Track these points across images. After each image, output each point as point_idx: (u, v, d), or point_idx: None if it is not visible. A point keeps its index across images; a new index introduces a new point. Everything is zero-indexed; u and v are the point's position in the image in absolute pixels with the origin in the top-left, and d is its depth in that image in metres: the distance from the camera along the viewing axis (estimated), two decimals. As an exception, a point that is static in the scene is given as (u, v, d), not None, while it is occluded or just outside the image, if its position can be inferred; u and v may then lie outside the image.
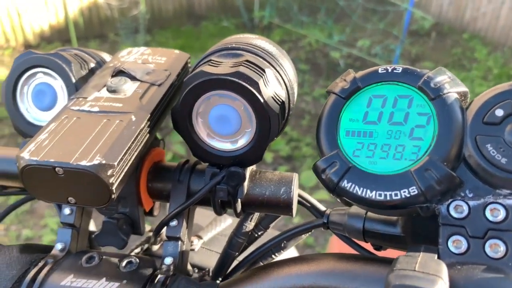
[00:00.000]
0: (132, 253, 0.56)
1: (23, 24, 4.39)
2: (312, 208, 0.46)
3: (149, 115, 0.38)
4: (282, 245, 0.47)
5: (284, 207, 0.41)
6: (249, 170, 0.42)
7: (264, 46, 0.43)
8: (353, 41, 4.82)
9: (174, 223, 0.42)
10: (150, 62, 0.45)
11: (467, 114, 0.32)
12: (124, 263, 0.40)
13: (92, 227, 0.50)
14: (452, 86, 0.32)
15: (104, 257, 0.41)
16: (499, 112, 0.30)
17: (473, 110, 0.31)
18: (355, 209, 0.42)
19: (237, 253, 0.48)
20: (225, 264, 0.48)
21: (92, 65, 0.47)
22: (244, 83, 0.36)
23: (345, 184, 0.33)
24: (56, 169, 0.33)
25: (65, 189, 0.34)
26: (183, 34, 5.05)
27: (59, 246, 0.43)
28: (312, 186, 2.79)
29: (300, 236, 0.47)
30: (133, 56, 0.46)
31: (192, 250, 0.59)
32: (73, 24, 3.93)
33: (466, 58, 4.64)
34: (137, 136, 0.36)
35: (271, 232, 0.50)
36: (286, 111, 0.42)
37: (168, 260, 0.41)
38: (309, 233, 0.47)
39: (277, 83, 0.40)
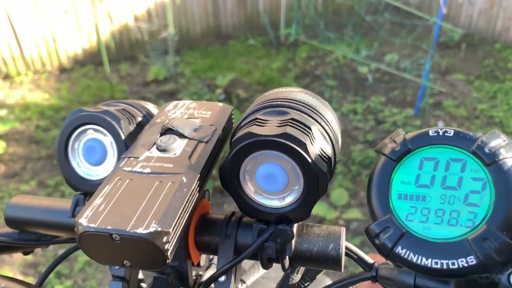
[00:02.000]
0: None
1: (58, 49, 4.57)
2: (360, 261, 0.46)
3: (199, 174, 0.39)
4: None
5: (332, 263, 0.41)
6: (296, 224, 0.43)
7: (307, 101, 0.43)
8: (381, 55, 4.78)
9: (222, 278, 0.43)
10: (196, 117, 0.46)
11: None
12: None
13: (141, 275, 0.51)
14: (508, 151, 0.32)
15: None
16: (560, 180, 0.29)
17: (531, 176, 0.31)
18: None
19: (284, 305, 0.48)
20: (271, 315, 0.48)
21: (140, 119, 0.48)
22: (291, 144, 0.37)
23: (400, 250, 0.32)
24: (113, 236, 0.34)
25: (121, 253, 0.35)
26: (211, 54, 5.14)
27: None
28: (344, 205, 2.76)
29: None
30: (179, 110, 0.48)
31: None
32: (105, 47, 4.06)
33: (499, 69, 4.52)
34: (188, 198, 0.37)
35: (320, 278, 0.50)
36: (333, 165, 0.42)
37: None
38: (356, 284, 0.46)
39: (322, 139, 0.40)
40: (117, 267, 0.46)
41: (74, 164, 0.47)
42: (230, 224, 0.44)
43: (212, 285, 0.43)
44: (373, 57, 4.58)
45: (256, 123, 0.40)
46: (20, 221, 0.51)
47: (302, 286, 0.48)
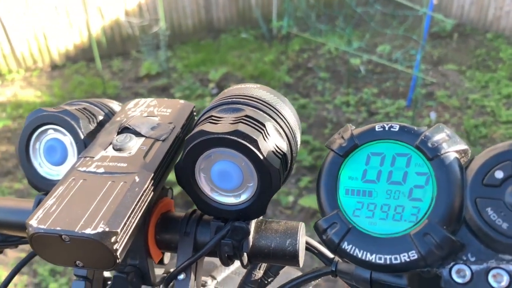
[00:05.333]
0: None
1: (49, 46, 4.54)
2: (321, 256, 0.46)
3: (153, 173, 0.39)
4: None
5: (290, 258, 0.41)
6: (254, 220, 0.43)
7: (264, 97, 0.43)
8: (373, 47, 4.77)
9: (182, 276, 0.43)
10: (155, 115, 0.46)
11: (466, 173, 0.31)
12: None
13: (108, 273, 0.51)
14: (450, 145, 0.32)
15: None
16: (499, 174, 0.30)
17: (472, 170, 0.31)
18: None
19: (247, 300, 0.48)
20: (236, 310, 0.48)
21: (101, 117, 0.48)
22: (243, 141, 0.37)
23: (346, 246, 0.33)
24: (63, 236, 0.34)
25: (72, 254, 0.35)
26: (203, 48, 5.12)
27: None
28: None
29: (309, 283, 0.47)
30: (139, 108, 0.48)
31: None
32: (97, 43, 4.03)
33: (491, 59, 4.52)
34: (140, 197, 0.37)
35: (286, 272, 0.50)
36: (289, 162, 0.42)
37: None
38: (318, 279, 0.46)
39: (277, 135, 0.40)
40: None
41: (35, 164, 0.47)
42: (190, 222, 0.44)
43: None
44: (365, 49, 4.57)
45: (210, 120, 0.40)
46: None
47: (266, 282, 0.48)
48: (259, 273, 0.46)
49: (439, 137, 0.32)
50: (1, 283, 0.54)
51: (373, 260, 0.31)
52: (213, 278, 0.61)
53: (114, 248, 0.34)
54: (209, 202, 0.41)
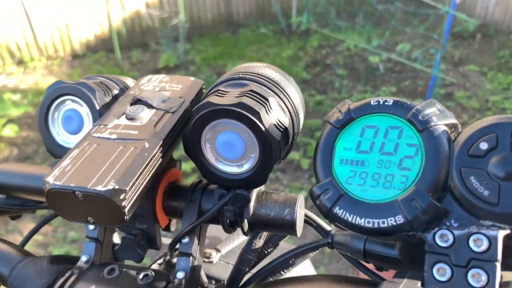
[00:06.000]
0: (154, 265, 0.60)
1: (71, 35, 4.63)
2: (318, 228, 0.48)
3: (162, 141, 0.42)
4: (291, 262, 0.49)
5: (288, 227, 0.43)
6: (255, 191, 0.45)
7: (270, 75, 0.45)
8: (393, 45, 4.73)
9: (186, 240, 0.45)
10: (167, 90, 0.49)
11: (454, 145, 0.33)
12: (141, 276, 0.44)
13: (117, 239, 0.54)
14: (440, 119, 0.34)
15: (124, 269, 0.45)
16: (484, 145, 0.31)
17: (459, 142, 0.33)
18: None
19: (247, 269, 0.50)
20: (236, 278, 0.50)
21: (116, 91, 0.51)
22: (246, 113, 0.39)
23: (337, 210, 0.35)
24: (76, 192, 0.37)
25: (84, 210, 0.38)
26: (222, 42, 5.15)
27: (84, 258, 0.48)
28: None
29: (307, 254, 0.49)
30: (152, 83, 0.50)
31: (210, 262, 0.62)
32: (117, 34, 4.10)
33: (514, 61, 4.45)
34: (149, 162, 0.40)
35: (284, 247, 0.53)
36: (290, 136, 0.44)
37: (180, 275, 0.45)
38: (316, 251, 0.49)
39: (280, 110, 0.42)
40: (91, 227, 0.49)
41: (54, 132, 0.50)
42: (195, 190, 0.47)
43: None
44: (384, 47, 4.54)
45: (217, 94, 0.42)
46: (6, 186, 0.55)
47: (266, 252, 0.50)
48: (259, 243, 0.49)
49: (430, 111, 0.34)
50: (21, 241, 0.57)
51: (362, 224, 0.33)
52: (218, 251, 0.64)
53: (123, 205, 0.36)
54: (214, 171, 0.43)
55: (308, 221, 0.48)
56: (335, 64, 4.50)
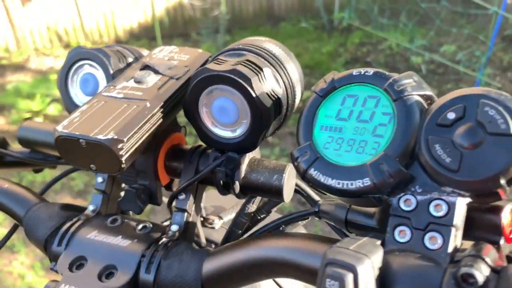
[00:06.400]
0: (166, 223, 0.64)
1: (115, 22, 4.81)
2: (307, 198, 0.50)
3: (162, 103, 0.45)
4: (281, 228, 0.52)
5: (275, 192, 0.46)
6: (248, 157, 0.48)
7: (269, 48, 0.48)
8: (437, 46, 4.60)
9: (182, 196, 0.49)
10: (175, 59, 0.52)
11: (425, 115, 0.34)
12: (140, 227, 0.48)
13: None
14: (414, 89, 0.35)
15: (125, 220, 0.49)
16: (451, 115, 0.33)
17: (430, 112, 0.34)
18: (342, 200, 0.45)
19: (240, 231, 0.53)
20: (228, 240, 0.54)
21: (130, 59, 0.55)
22: (238, 79, 0.42)
23: (312, 172, 0.37)
24: (80, 140, 0.41)
25: (88, 157, 0.42)
26: (261, 35, 5.15)
27: (91, 207, 0.52)
28: None
29: (296, 222, 0.51)
30: (162, 53, 0.54)
31: (213, 228, 0.66)
32: (159, 23, 4.22)
33: None
34: (148, 119, 0.43)
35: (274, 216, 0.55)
36: (284, 107, 0.46)
37: (174, 227, 0.48)
38: (306, 219, 0.51)
39: (274, 81, 0.45)
40: (100, 180, 0.54)
41: (72, 94, 0.55)
42: (194, 153, 0.50)
43: None
44: (427, 47, 4.43)
45: (215, 62, 0.45)
46: (30, 141, 0.60)
47: (258, 217, 0.53)
48: (252, 207, 0.52)
49: (406, 81, 0.35)
50: (41, 189, 0.63)
51: (332, 185, 0.36)
52: (220, 218, 0.67)
53: (120, 153, 0.40)
54: (210, 134, 0.46)
55: (298, 190, 0.51)
56: (375, 63, 4.43)
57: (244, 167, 0.47)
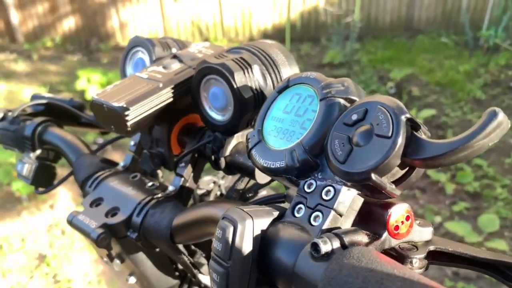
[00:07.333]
0: None
1: (252, 22, 5.15)
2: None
3: (173, 85, 0.56)
4: None
5: (250, 172, 0.54)
6: (237, 140, 0.56)
7: (268, 51, 0.55)
8: None
9: (182, 164, 0.60)
10: (202, 53, 0.63)
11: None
12: (149, 184, 0.61)
13: None
14: (339, 93, 0.40)
15: (142, 178, 0.62)
16: (354, 117, 0.37)
17: (343, 113, 0.39)
18: None
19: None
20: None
21: (174, 50, 0.67)
22: (224, 71, 0.51)
23: (253, 152, 0.44)
24: (104, 105, 0.54)
25: (109, 119, 0.55)
26: (395, 46, 5.02)
27: (121, 164, 0.66)
28: (491, 232, 2.34)
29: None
30: (196, 47, 0.65)
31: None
32: (292, 26, 4.41)
33: None
34: (157, 97, 0.55)
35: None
36: None
37: (171, 188, 0.59)
38: (280, 203, 0.57)
39: (262, 79, 0.52)
40: (132, 143, 0.67)
41: (128, 73, 0.69)
42: (200, 131, 0.60)
43: None
44: None
45: (217, 56, 0.55)
46: None
47: (246, 196, 0.61)
48: (241, 185, 0.60)
49: (334, 86, 0.40)
50: (96, 148, 0.79)
51: (263, 164, 0.43)
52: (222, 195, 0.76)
53: (126, 119, 0.52)
54: (207, 116, 0.56)
55: None
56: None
57: (230, 147, 0.56)
